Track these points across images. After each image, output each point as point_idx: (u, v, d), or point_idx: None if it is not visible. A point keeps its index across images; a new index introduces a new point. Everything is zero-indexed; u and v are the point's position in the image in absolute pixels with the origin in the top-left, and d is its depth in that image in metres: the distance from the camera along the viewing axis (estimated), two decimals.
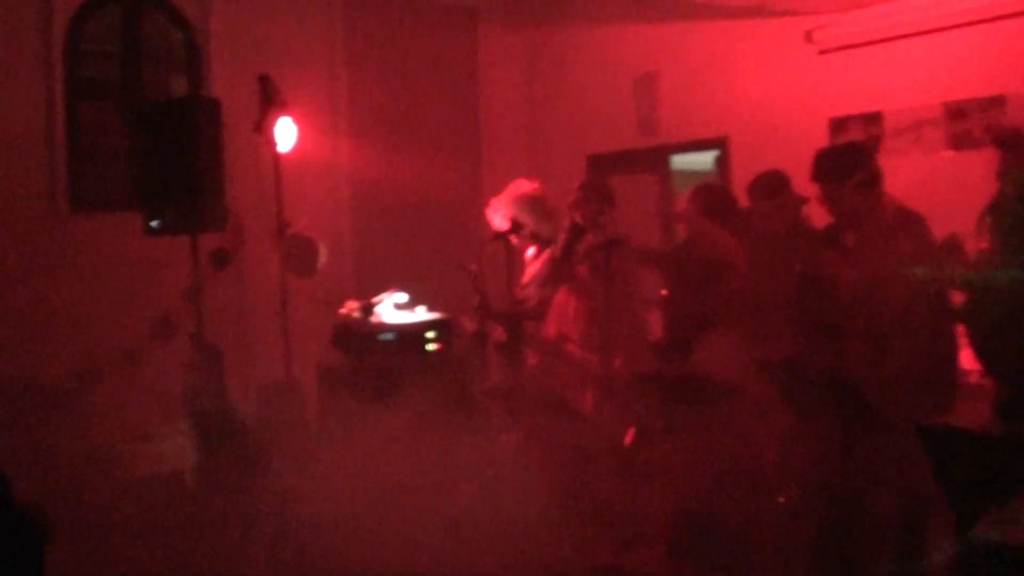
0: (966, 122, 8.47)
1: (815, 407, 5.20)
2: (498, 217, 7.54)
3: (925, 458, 4.02)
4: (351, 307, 8.00)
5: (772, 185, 6.98)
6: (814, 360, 5.69)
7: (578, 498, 6.67)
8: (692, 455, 6.14)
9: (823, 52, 9.34)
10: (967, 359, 5.53)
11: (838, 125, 9.04)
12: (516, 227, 7.37)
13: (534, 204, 7.51)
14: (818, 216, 6.33)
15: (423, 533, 6.16)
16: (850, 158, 5.91)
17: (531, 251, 7.70)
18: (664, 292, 7.38)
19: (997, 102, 8.22)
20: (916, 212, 5.77)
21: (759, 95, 9.62)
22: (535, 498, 6.45)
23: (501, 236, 7.32)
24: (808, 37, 9.36)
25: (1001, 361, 4.93)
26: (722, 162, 10.24)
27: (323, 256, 8.59)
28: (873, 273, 5.61)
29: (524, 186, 7.59)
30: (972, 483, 3.52)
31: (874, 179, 5.83)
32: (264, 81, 8.00)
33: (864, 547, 5.59)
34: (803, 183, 6.29)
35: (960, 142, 8.51)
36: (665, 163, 10.88)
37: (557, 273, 7.26)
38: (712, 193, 7.44)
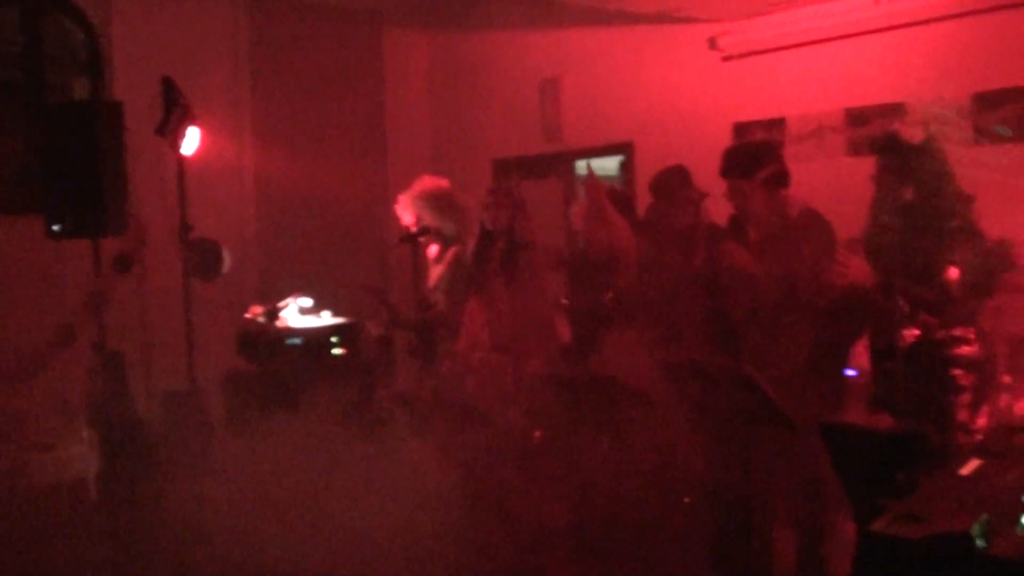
0: (867, 128, 8.60)
1: (719, 407, 5.25)
2: (406, 214, 7.53)
3: (827, 455, 4.09)
4: (256, 312, 7.95)
5: (673, 181, 7.06)
6: (717, 359, 5.76)
7: (484, 501, 6.67)
8: (598, 457, 6.18)
9: (727, 58, 9.43)
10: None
11: (742, 130, 9.13)
12: (423, 229, 7.36)
13: (438, 201, 7.50)
14: (723, 215, 6.40)
15: (328, 539, 6.14)
16: (757, 155, 6.04)
17: (434, 249, 7.67)
18: (565, 301, 7.42)
19: (897, 109, 8.36)
20: (822, 214, 5.88)
21: (663, 101, 9.69)
22: (440, 502, 6.46)
23: (408, 239, 7.31)
24: (712, 43, 9.44)
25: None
26: (627, 167, 10.31)
27: (227, 260, 8.51)
28: (777, 270, 5.71)
29: (428, 182, 7.58)
30: (872, 479, 3.59)
31: (781, 177, 5.94)
32: (167, 83, 7.91)
33: (767, 544, 5.67)
34: (706, 185, 6.36)
35: (861, 148, 8.64)
36: (570, 168, 10.92)
37: (468, 280, 7.26)
38: (609, 195, 7.49)
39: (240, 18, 10.36)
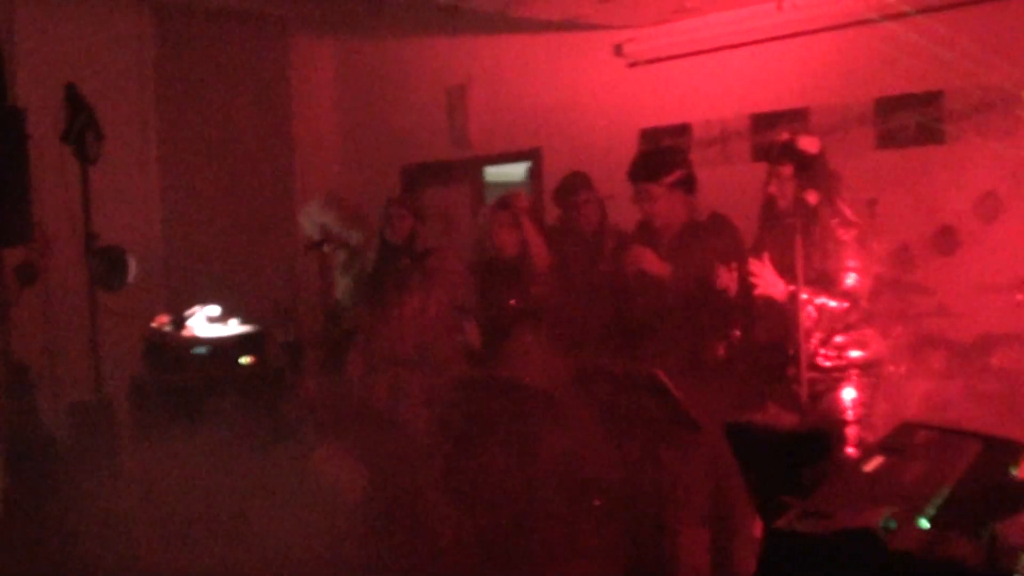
0: (772, 134, 8.72)
1: (628, 410, 5.29)
2: (309, 224, 7.50)
3: (733, 455, 4.14)
4: (162, 321, 7.87)
5: (575, 185, 7.14)
6: (625, 362, 5.83)
7: (392, 509, 6.68)
8: (509, 461, 6.20)
9: (632, 65, 9.51)
10: None
11: (648, 136, 9.21)
12: (326, 239, 7.34)
13: (341, 210, 7.49)
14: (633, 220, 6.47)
15: (235, 547, 6.12)
16: (665, 160, 6.16)
17: (341, 258, 7.65)
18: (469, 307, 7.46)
19: (801, 115, 8.49)
20: (729, 219, 5.98)
21: (570, 107, 9.76)
22: (349, 509, 6.46)
23: (313, 247, 7.29)
24: (618, 50, 9.52)
25: None
26: (534, 173, 10.36)
27: (133, 269, 8.40)
28: (685, 274, 5.80)
29: (332, 192, 7.57)
30: (777, 477, 3.64)
31: (688, 182, 6.04)
32: (71, 90, 7.80)
33: (677, 545, 5.72)
34: (613, 191, 6.41)
35: (766, 154, 8.76)
36: (478, 175, 10.96)
37: (371, 290, 7.26)
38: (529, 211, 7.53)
39: (146, 24, 10.25)
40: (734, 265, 5.18)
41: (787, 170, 5.16)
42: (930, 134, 7.89)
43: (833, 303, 5.06)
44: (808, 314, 5.02)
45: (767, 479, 3.78)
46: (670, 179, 6.00)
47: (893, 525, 2.58)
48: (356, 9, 11.17)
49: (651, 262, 5.97)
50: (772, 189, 5.20)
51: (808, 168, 5.13)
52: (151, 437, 7.28)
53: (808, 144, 5.17)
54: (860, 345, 5.09)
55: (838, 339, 5.10)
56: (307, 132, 11.52)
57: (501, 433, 6.23)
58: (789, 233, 5.08)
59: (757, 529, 5.23)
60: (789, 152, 5.17)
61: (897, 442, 3.47)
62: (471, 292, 7.41)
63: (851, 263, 5.06)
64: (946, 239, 7.68)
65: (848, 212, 5.16)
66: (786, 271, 5.10)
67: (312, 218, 7.50)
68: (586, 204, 7.14)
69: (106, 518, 6.58)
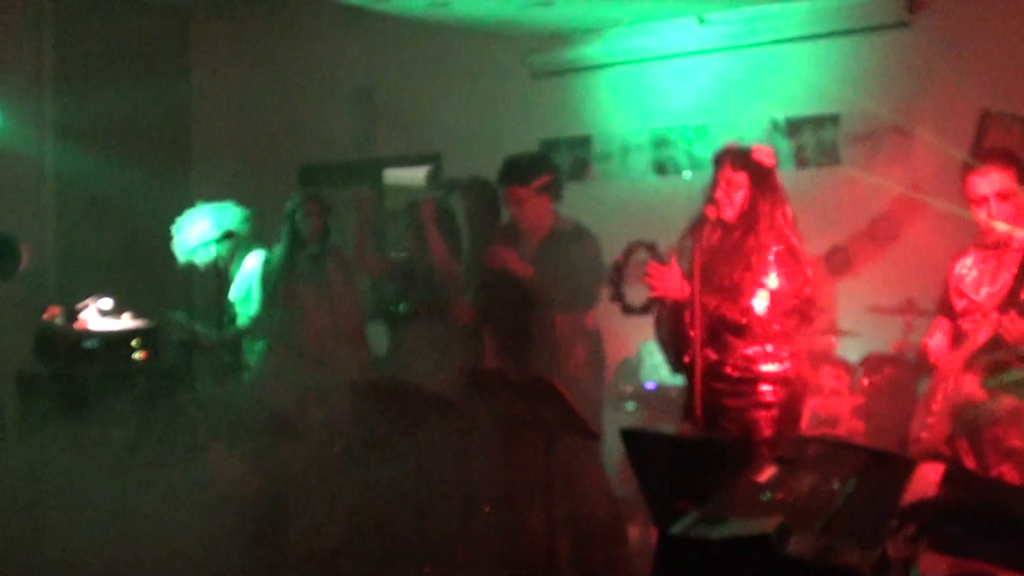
0: (671, 149, 8.83)
1: (523, 416, 5.32)
2: (202, 222, 7.41)
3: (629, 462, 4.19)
4: (54, 312, 7.74)
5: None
6: (514, 367, 5.88)
7: (285, 510, 6.65)
8: (401, 466, 6.20)
9: (536, 76, 9.56)
10: None
11: (548, 146, 9.26)
12: (224, 235, 7.27)
13: (241, 208, 7.44)
14: None
15: (122, 540, 6.07)
16: (533, 165, 6.26)
17: (240, 256, 7.56)
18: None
19: (701, 131, 8.61)
20: (592, 232, 6.10)
21: (472, 113, 9.77)
22: (237, 509, 6.43)
23: (218, 242, 7.22)
24: (522, 60, 9.56)
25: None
26: (434, 177, 10.36)
27: (25, 257, 8.26)
28: (547, 276, 5.89)
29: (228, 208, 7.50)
30: (673, 484, 3.69)
31: (555, 187, 6.16)
32: None
33: (566, 550, 5.76)
34: None
35: (664, 168, 8.87)
36: (378, 177, 10.93)
37: (277, 287, 7.21)
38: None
39: (44, 12, 10.06)
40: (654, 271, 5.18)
41: (740, 177, 5.18)
42: (828, 155, 8.04)
43: (734, 317, 5.08)
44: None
45: (660, 486, 3.83)
46: (537, 183, 6.14)
47: (786, 533, 2.63)
48: (261, 4, 11.10)
49: (514, 262, 6.09)
50: (717, 195, 5.21)
51: (764, 178, 5.18)
52: (40, 431, 7.17)
53: (764, 155, 5.22)
54: (772, 359, 5.12)
55: (749, 351, 5.13)
56: (205, 126, 11.39)
57: (395, 438, 6.22)
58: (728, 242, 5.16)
59: (651, 534, 5.29)
60: (744, 160, 5.20)
61: (790, 453, 3.54)
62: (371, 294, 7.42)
63: (776, 278, 5.08)
64: (838, 259, 7.84)
65: (788, 227, 5.19)
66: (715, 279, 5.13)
67: (211, 216, 7.40)
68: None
69: None
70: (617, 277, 5.29)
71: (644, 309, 5.28)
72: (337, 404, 6.73)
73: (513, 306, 6.19)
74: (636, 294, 5.31)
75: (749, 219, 5.15)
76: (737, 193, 5.18)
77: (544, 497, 5.29)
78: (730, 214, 5.19)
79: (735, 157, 5.23)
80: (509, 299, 6.18)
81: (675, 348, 5.32)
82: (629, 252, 5.31)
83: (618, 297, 5.30)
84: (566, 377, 5.59)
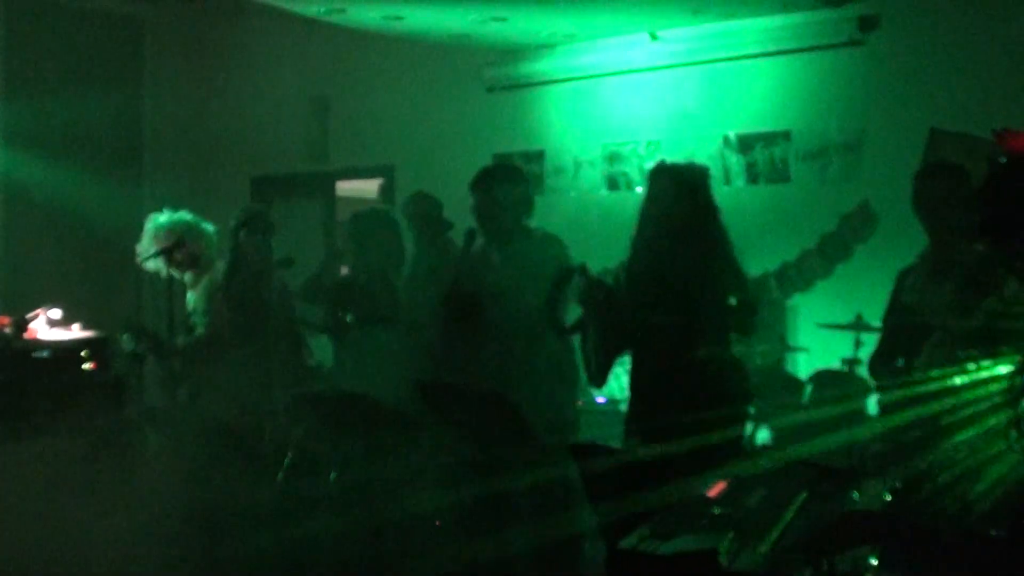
0: (624, 164, 8.86)
1: (474, 428, 5.31)
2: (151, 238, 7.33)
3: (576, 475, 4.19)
4: (2, 323, 7.68)
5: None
6: (466, 377, 5.87)
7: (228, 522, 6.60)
8: (349, 478, 6.17)
9: (491, 89, 9.58)
10: None
11: (501, 160, 9.27)
12: (169, 248, 7.18)
13: (188, 224, 7.33)
14: None
15: (59, 550, 6.03)
16: (508, 174, 6.29)
17: (188, 274, 7.47)
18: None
19: (653, 146, 8.64)
20: (560, 239, 6.09)
21: (427, 126, 9.78)
22: (178, 523, 6.38)
23: (160, 254, 7.13)
24: (477, 74, 9.58)
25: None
26: (386, 190, 10.35)
27: None
28: (518, 287, 5.89)
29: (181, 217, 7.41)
30: (622, 498, 3.69)
31: (527, 197, 6.17)
32: None
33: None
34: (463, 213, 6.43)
35: (616, 183, 8.90)
36: (331, 189, 10.91)
37: (222, 301, 7.15)
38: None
39: None
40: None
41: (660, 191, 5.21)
42: (778, 172, 8.09)
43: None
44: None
45: (609, 499, 3.84)
46: (511, 191, 6.12)
47: (735, 548, 2.64)
48: (214, 14, 11.05)
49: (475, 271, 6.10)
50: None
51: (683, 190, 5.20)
52: None
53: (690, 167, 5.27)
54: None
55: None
56: (157, 136, 11.33)
57: (343, 449, 6.20)
58: None
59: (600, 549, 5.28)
60: (663, 171, 5.24)
61: (739, 468, 3.55)
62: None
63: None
64: (788, 275, 7.89)
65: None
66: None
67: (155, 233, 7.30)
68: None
69: None
70: (554, 301, 5.32)
71: (575, 329, 5.32)
72: (282, 415, 6.69)
73: (480, 315, 6.16)
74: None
75: None
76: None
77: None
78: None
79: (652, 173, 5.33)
80: (478, 308, 6.14)
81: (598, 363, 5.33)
82: (564, 277, 5.34)
83: (554, 322, 5.35)
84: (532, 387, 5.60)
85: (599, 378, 5.37)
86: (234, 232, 7.15)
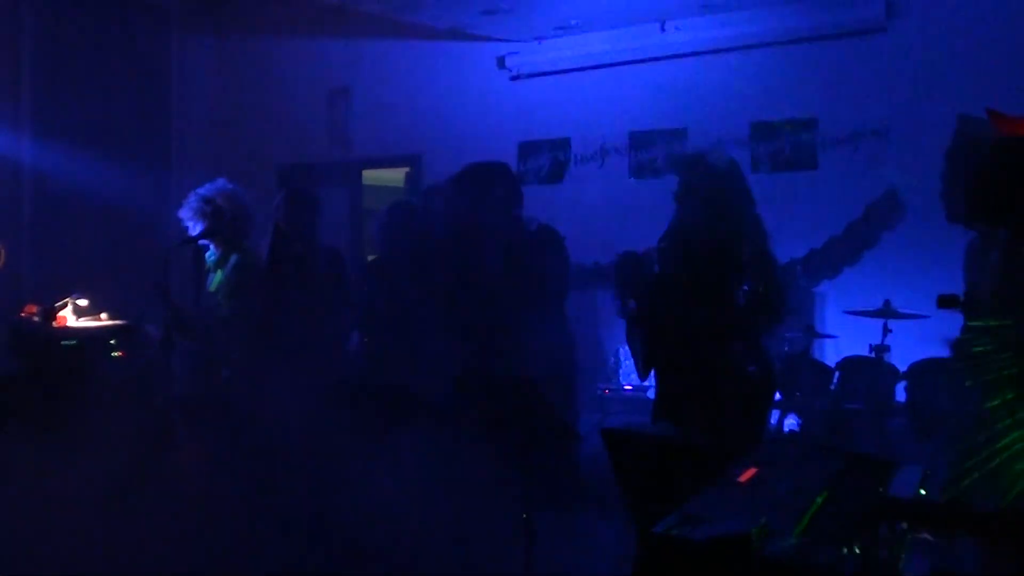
0: (650, 152, 8.86)
1: (505, 417, 5.32)
2: (187, 217, 7.34)
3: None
4: (31, 311, 7.71)
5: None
6: (492, 366, 5.91)
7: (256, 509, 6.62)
8: (377, 468, 6.19)
9: (515, 78, 9.59)
10: None
11: (526, 148, 9.29)
12: (203, 232, 7.19)
13: (219, 204, 7.32)
14: None
15: (98, 547, 6.04)
16: (492, 172, 6.34)
17: (213, 253, 7.47)
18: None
19: (680, 134, 8.64)
20: (558, 232, 6.12)
21: (452, 116, 9.79)
22: (215, 510, 6.39)
23: (189, 241, 7.15)
24: (501, 63, 9.59)
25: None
26: (412, 179, 10.37)
27: (2, 256, 8.24)
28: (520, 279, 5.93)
29: (219, 184, 7.40)
30: (655, 484, 3.70)
31: (515, 196, 6.20)
32: None
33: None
34: None
35: (643, 171, 8.90)
36: (357, 177, 10.92)
37: (262, 281, 7.14)
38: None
39: (23, 11, 10.03)
40: None
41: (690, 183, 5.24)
42: (805, 159, 8.08)
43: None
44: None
45: (640, 485, 3.84)
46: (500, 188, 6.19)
47: (767, 533, 2.65)
48: (240, 5, 11.09)
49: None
50: None
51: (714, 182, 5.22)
52: (17, 429, 7.13)
53: (718, 159, 5.27)
54: (748, 362, 5.13)
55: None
56: (184, 126, 11.38)
57: (374, 440, 6.21)
58: None
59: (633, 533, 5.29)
60: (695, 164, 5.26)
61: (769, 455, 3.56)
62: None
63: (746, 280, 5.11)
64: (815, 263, 7.89)
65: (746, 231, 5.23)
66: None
67: (189, 212, 7.30)
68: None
69: None
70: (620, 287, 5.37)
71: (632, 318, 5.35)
72: (315, 402, 6.69)
73: (488, 306, 6.21)
74: None
75: None
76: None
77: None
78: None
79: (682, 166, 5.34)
80: (485, 299, 6.20)
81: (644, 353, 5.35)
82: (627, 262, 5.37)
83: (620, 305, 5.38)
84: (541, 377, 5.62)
85: (644, 370, 5.39)
86: (277, 211, 7.11)
